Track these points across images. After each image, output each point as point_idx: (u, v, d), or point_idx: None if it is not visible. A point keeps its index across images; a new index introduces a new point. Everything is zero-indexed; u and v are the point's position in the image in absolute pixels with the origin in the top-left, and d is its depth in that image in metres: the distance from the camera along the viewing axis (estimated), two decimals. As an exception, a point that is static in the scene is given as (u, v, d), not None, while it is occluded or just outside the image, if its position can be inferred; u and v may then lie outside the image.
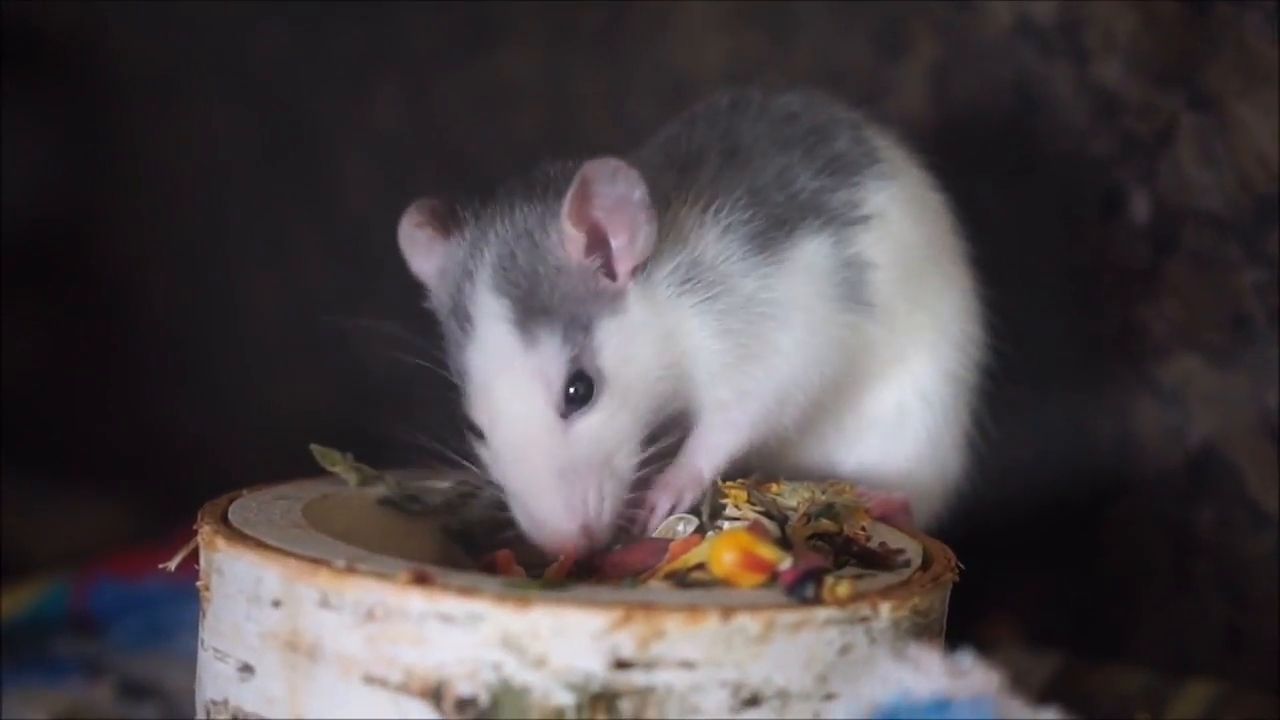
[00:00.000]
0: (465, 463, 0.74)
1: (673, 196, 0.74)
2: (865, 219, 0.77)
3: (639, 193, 0.70)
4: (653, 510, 0.73)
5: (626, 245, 0.71)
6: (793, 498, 0.73)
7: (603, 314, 0.71)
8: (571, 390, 0.70)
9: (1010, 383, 0.84)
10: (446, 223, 0.75)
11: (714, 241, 0.74)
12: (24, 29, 1.37)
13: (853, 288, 0.77)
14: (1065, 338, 0.95)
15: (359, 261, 1.29)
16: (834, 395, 0.78)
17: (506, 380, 0.71)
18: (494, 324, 0.71)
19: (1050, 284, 0.95)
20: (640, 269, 0.72)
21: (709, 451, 0.75)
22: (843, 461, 0.81)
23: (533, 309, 0.70)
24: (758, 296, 0.74)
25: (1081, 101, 0.94)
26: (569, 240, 0.71)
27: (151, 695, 0.94)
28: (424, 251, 0.76)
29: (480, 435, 0.72)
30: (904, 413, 0.81)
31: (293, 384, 1.31)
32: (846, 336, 0.77)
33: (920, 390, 0.81)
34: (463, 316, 0.72)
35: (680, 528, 0.73)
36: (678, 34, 1.11)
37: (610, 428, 0.71)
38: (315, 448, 0.77)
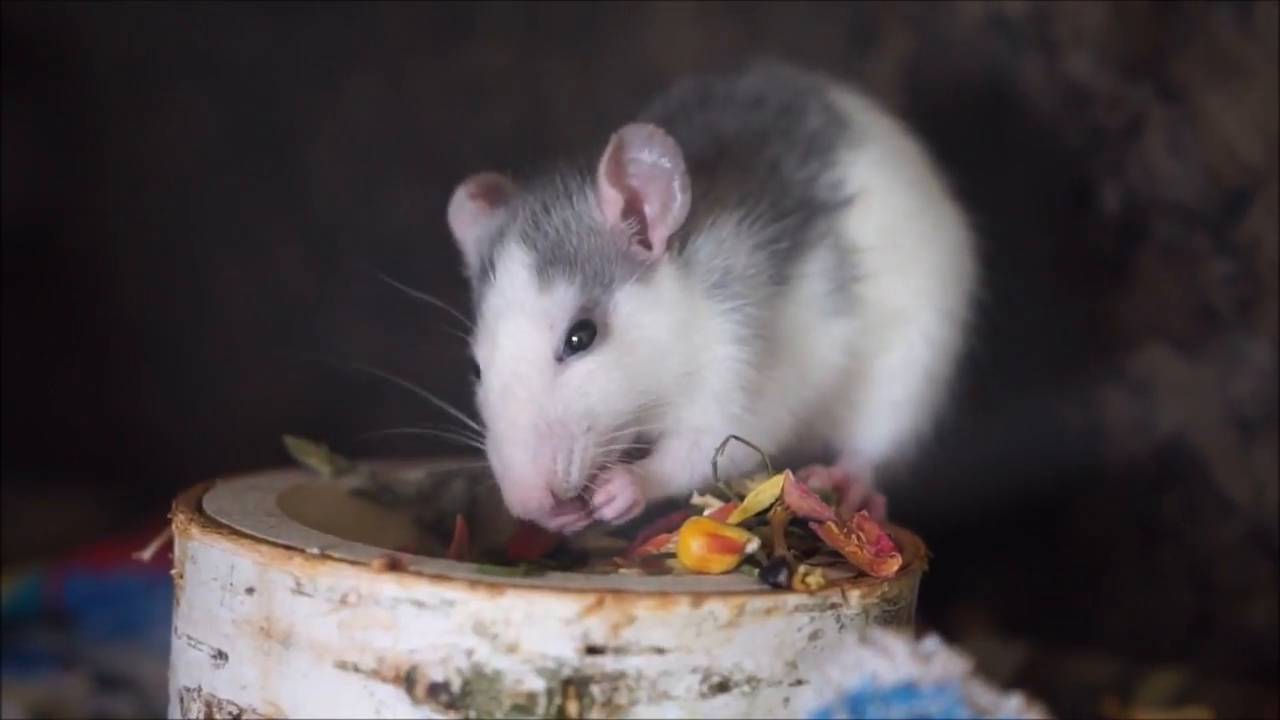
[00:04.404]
0: (456, 442, 0.73)
1: (711, 192, 0.74)
2: (850, 200, 0.78)
3: (674, 160, 0.71)
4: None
5: (660, 212, 0.72)
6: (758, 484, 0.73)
7: (629, 279, 0.71)
8: (574, 338, 0.70)
9: (980, 373, 0.84)
10: (497, 199, 0.76)
11: (746, 255, 0.74)
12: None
13: (848, 294, 0.77)
14: (1035, 328, 0.95)
15: (331, 255, 1.29)
16: (834, 391, 0.78)
17: (512, 317, 0.71)
18: (515, 269, 0.71)
19: (1020, 275, 0.95)
20: (678, 249, 0.73)
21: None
22: (849, 419, 0.81)
23: (556, 259, 0.71)
24: (773, 322, 0.74)
25: (1052, 94, 0.94)
26: (605, 201, 0.72)
27: (126, 687, 0.94)
28: (469, 220, 0.77)
29: (478, 374, 0.72)
30: (909, 349, 0.81)
31: (265, 377, 1.31)
32: (842, 346, 0.77)
33: (922, 331, 0.81)
34: (489, 267, 0.73)
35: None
36: (651, 27, 1.11)
37: (601, 378, 0.70)
38: (289, 439, 0.78)
